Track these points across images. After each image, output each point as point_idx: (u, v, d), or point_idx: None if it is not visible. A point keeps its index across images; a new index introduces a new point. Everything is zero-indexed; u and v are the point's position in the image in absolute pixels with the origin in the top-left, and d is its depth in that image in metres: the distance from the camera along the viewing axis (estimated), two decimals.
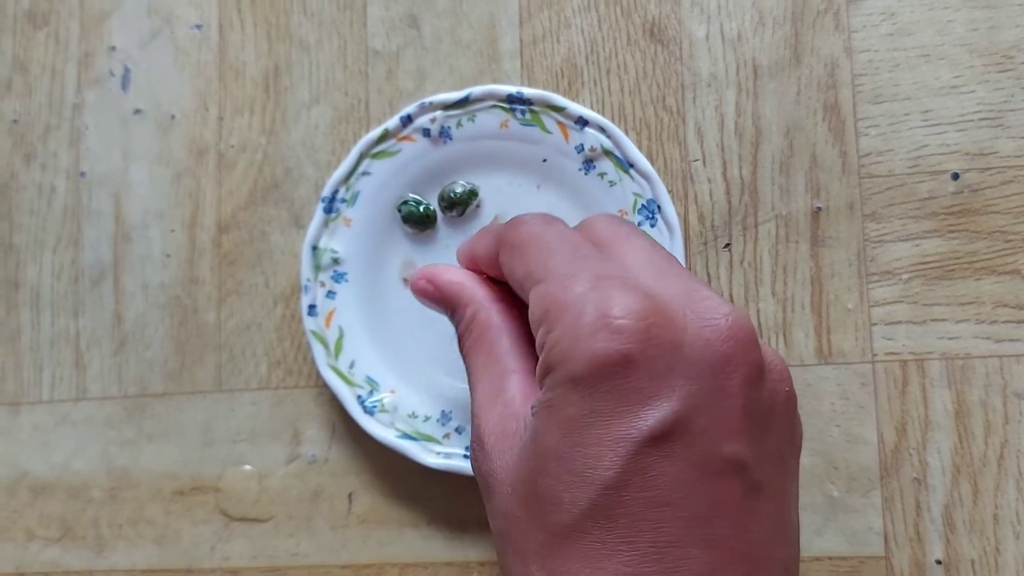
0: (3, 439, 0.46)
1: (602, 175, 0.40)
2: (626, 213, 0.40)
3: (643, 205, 0.40)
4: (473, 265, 0.34)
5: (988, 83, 0.39)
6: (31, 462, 0.46)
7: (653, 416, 0.25)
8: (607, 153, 0.40)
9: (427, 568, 0.42)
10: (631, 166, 0.40)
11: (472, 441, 0.30)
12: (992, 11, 0.40)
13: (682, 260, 0.39)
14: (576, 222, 0.34)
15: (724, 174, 0.41)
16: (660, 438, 0.25)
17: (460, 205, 0.42)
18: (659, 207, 0.40)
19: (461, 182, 0.42)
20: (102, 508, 0.45)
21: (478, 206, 0.42)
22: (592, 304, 0.26)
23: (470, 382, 0.32)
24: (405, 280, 0.42)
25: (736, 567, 0.25)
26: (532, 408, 0.28)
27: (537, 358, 0.29)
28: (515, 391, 0.29)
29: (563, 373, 0.26)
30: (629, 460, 0.25)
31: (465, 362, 0.32)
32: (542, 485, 0.26)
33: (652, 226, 0.40)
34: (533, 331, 0.28)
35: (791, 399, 0.28)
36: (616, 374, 0.26)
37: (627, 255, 0.30)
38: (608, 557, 0.25)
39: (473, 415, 0.30)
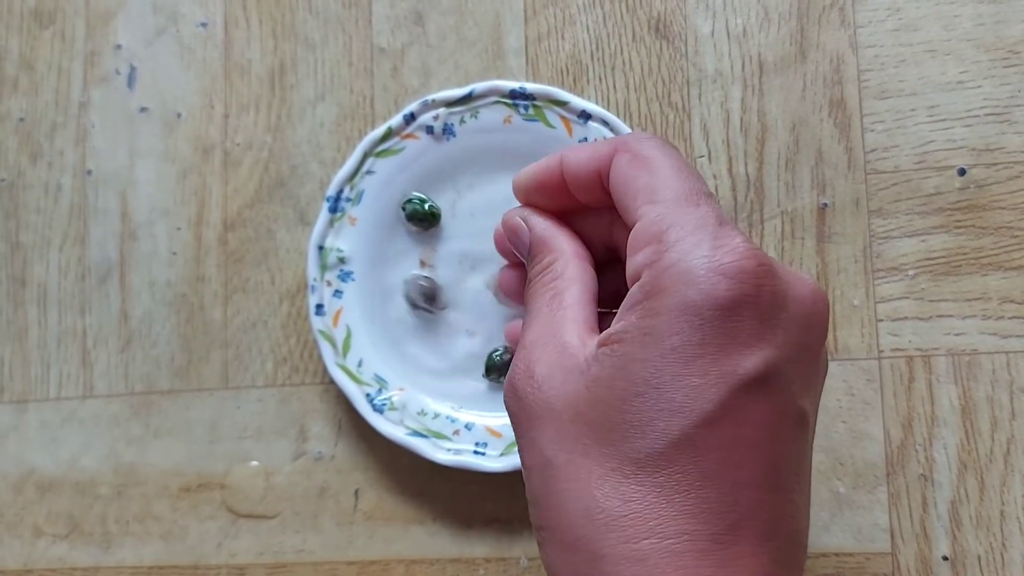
0: (11, 436, 0.47)
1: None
2: None
3: None
4: (552, 179, 0.33)
5: (994, 78, 0.39)
6: (38, 459, 0.46)
7: (757, 359, 0.26)
8: None
9: (433, 564, 0.42)
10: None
11: (516, 374, 0.29)
12: (998, 6, 0.39)
13: None
14: None
15: (730, 170, 0.41)
16: (759, 381, 0.26)
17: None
18: None
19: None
20: (109, 505, 0.45)
21: (445, 306, 0.42)
22: (716, 240, 0.27)
23: (526, 320, 0.31)
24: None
25: (787, 515, 0.27)
26: (615, 335, 0.27)
27: (598, 317, 0.29)
28: (573, 335, 0.29)
29: (677, 298, 0.26)
30: (729, 397, 0.26)
31: (527, 301, 0.32)
32: (629, 412, 0.26)
33: None
34: (632, 249, 0.28)
35: (827, 366, 0.30)
36: (732, 312, 0.26)
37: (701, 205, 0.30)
38: (687, 490, 0.26)
39: (523, 349, 0.30)
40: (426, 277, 0.42)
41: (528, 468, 0.28)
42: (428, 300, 0.42)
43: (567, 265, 0.31)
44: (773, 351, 0.26)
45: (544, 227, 0.33)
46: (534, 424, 0.28)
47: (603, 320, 0.30)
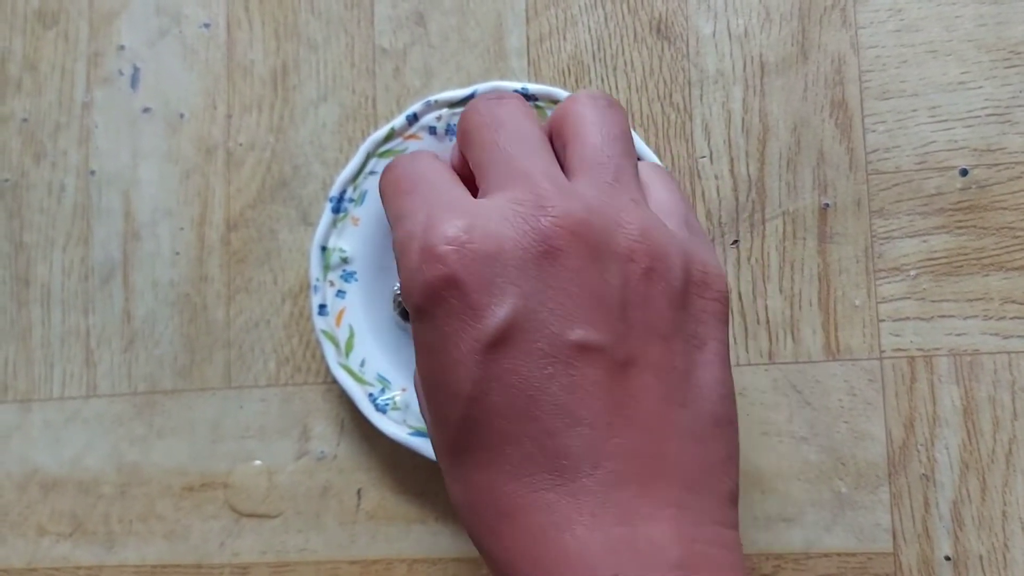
0: (14, 436, 0.47)
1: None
2: None
3: None
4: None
5: (996, 79, 0.39)
6: (42, 458, 0.46)
7: (488, 323, 0.27)
8: None
9: (436, 564, 0.42)
10: (637, 159, 0.40)
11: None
12: (1000, 6, 0.39)
13: None
14: None
15: (731, 171, 0.41)
16: (501, 340, 0.27)
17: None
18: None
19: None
20: (112, 504, 0.45)
21: None
22: (416, 240, 0.28)
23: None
24: None
25: (617, 441, 0.27)
26: None
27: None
28: None
29: (411, 308, 0.29)
30: (480, 368, 0.27)
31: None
32: (432, 411, 0.29)
33: None
34: None
35: (650, 272, 0.28)
36: (446, 296, 0.27)
37: (513, 153, 0.31)
38: (497, 460, 0.27)
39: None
40: None
41: None
42: (403, 315, 0.42)
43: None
44: (505, 307, 0.27)
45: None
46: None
47: None
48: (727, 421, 0.29)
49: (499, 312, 0.27)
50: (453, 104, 0.42)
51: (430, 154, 0.33)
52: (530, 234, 0.28)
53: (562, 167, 0.31)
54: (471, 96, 0.41)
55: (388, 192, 0.32)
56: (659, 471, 0.27)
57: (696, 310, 0.29)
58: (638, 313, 0.28)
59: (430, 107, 0.42)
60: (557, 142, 0.32)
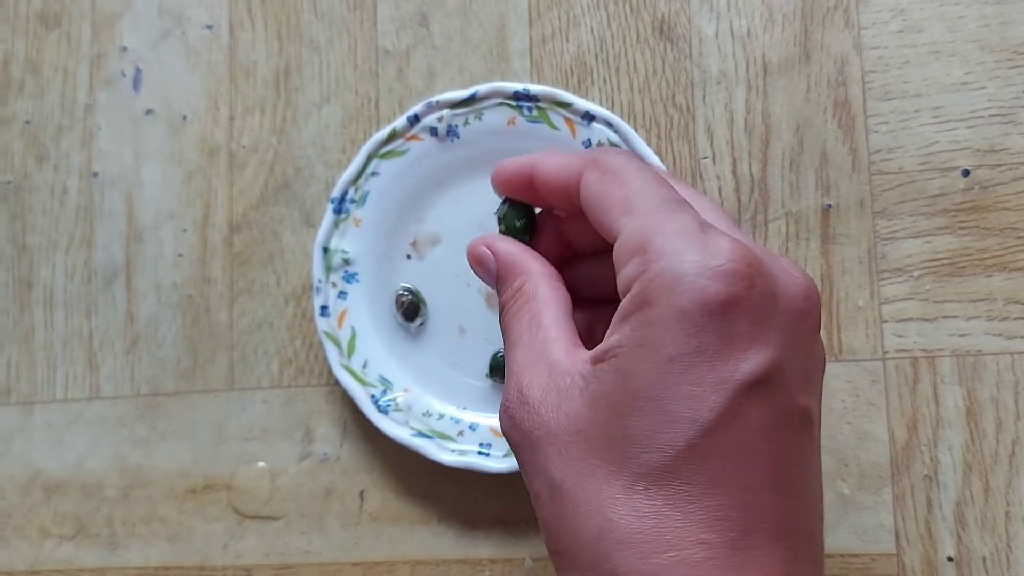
0: (17, 438, 0.47)
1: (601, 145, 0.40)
2: None
3: None
4: (522, 182, 0.33)
5: (999, 79, 0.39)
6: (45, 461, 0.46)
7: (753, 361, 0.26)
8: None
9: (438, 565, 0.42)
10: None
11: (510, 402, 0.29)
12: (1003, 7, 0.39)
13: None
14: None
15: (734, 171, 0.41)
16: (757, 383, 0.26)
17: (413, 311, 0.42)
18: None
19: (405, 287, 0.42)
20: (115, 506, 0.45)
21: (423, 323, 0.43)
22: (701, 244, 0.26)
23: (508, 347, 0.31)
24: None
25: (798, 514, 0.27)
26: (611, 350, 0.27)
27: (577, 333, 0.29)
28: (561, 354, 0.29)
29: (669, 306, 0.26)
30: (729, 402, 0.25)
31: (505, 329, 0.32)
32: (631, 427, 0.26)
33: None
34: (618, 263, 0.28)
35: (825, 362, 0.30)
36: (724, 315, 0.26)
37: (702, 206, 0.30)
38: (697, 499, 0.25)
39: (512, 376, 0.29)
40: (407, 291, 0.42)
41: (537, 495, 0.28)
42: (405, 315, 0.42)
43: (538, 286, 0.31)
44: (769, 351, 0.26)
45: (509, 251, 0.33)
46: (537, 450, 0.28)
47: (594, 326, 0.30)
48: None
49: (765, 353, 0.26)
50: (454, 105, 0.42)
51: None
52: (798, 287, 0.27)
53: None
54: (473, 97, 0.41)
55: (624, 173, 0.29)
56: (811, 561, 0.27)
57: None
58: (819, 380, 0.29)
59: (431, 108, 0.42)
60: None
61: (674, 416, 0.26)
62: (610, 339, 0.27)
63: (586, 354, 0.28)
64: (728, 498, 0.25)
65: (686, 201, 0.29)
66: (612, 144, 0.40)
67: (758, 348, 0.26)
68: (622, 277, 0.27)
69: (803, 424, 0.27)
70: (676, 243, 0.27)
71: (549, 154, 0.32)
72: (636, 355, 0.26)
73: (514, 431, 0.29)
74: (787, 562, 0.26)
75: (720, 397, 0.25)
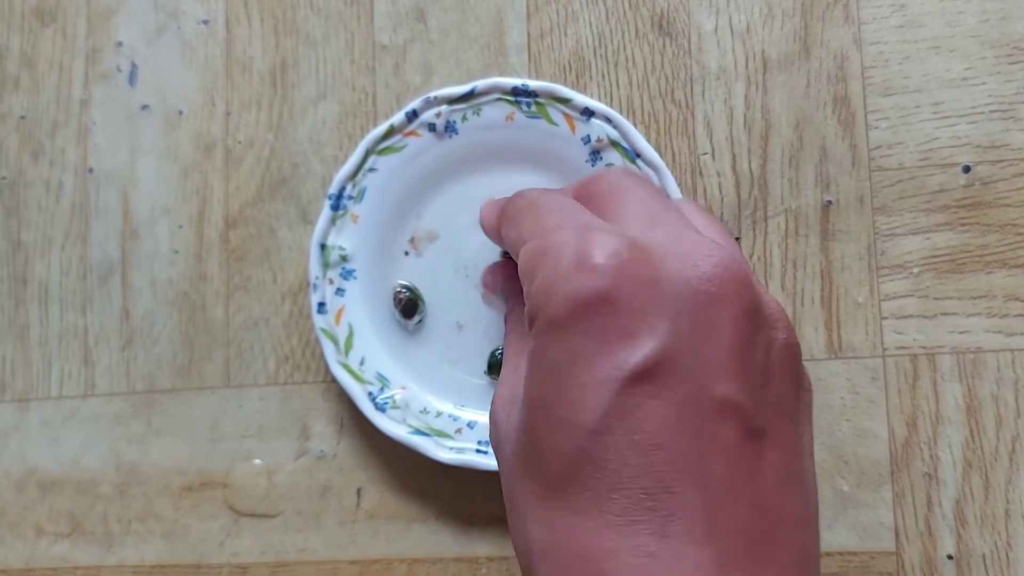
0: (12, 435, 0.47)
1: (609, 166, 0.40)
2: None
3: None
4: (488, 234, 0.36)
5: (999, 75, 0.39)
6: (40, 458, 0.46)
7: (635, 354, 0.24)
8: (614, 144, 0.40)
9: (436, 563, 0.42)
10: (638, 156, 0.40)
11: (491, 409, 0.30)
12: (1003, 2, 0.39)
13: None
14: None
15: (733, 168, 0.41)
16: (644, 376, 0.24)
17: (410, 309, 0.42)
18: (667, 196, 0.40)
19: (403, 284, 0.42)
20: (111, 504, 0.45)
21: (420, 320, 0.42)
22: (569, 248, 0.26)
23: (503, 361, 0.33)
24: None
25: (735, 512, 0.24)
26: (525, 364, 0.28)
27: None
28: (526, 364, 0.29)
29: (544, 318, 0.26)
30: (613, 401, 0.24)
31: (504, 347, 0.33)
32: (535, 437, 0.26)
33: None
34: (524, 287, 0.28)
35: (791, 346, 0.27)
36: (593, 313, 0.25)
37: (623, 206, 0.29)
38: (600, 505, 0.24)
39: (496, 388, 0.31)
40: (405, 288, 0.42)
41: (505, 500, 0.29)
42: (403, 312, 0.42)
43: (516, 306, 0.33)
44: (655, 341, 0.24)
45: (506, 278, 0.35)
46: (498, 457, 0.29)
47: None
48: (818, 513, 0.28)
49: (649, 344, 0.24)
50: (452, 100, 0.41)
51: (556, 190, 0.33)
52: (697, 271, 0.25)
53: None
54: (471, 92, 0.41)
55: (523, 212, 0.30)
56: (769, 557, 0.25)
57: (805, 398, 0.28)
58: (774, 384, 0.26)
59: (429, 104, 0.42)
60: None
61: (563, 423, 0.25)
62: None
63: None
64: (634, 501, 0.24)
65: (579, 210, 0.29)
66: (611, 140, 0.40)
67: (638, 341, 0.25)
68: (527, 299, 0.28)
69: (723, 412, 0.25)
70: (551, 256, 0.27)
71: (485, 209, 0.35)
72: (532, 366, 0.26)
73: (491, 440, 0.30)
74: (721, 561, 0.24)
75: (601, 397, 0.24)
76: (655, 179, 0.40)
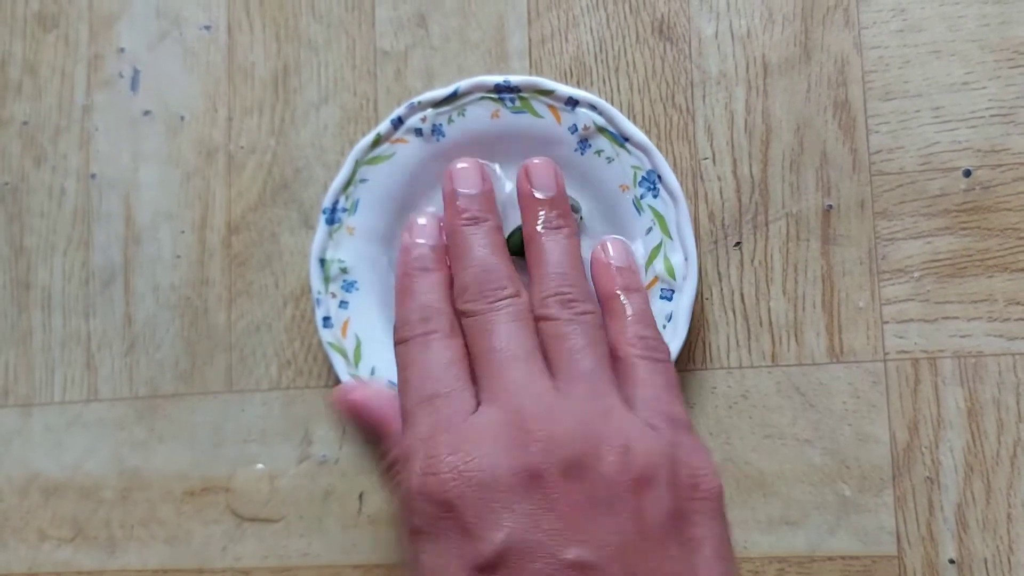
0: (15, 440, 0.47)
1: (599, 152, 0.40)
2: (627, 187, 0.40)
3: (643, 177, 0.40)
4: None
5: (1000, 79, 0.39)
6: (43, 463, 0.46)
7: (483, 547, 0.28)
8: (601, 130, 0.40)
9: None
10: (626, 140, 0.40)
11: None
12: (1004, 6, 0.39)
13: (689, 235, 0.39)
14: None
15: (734, 172, 0.41)
16: (494, 564, 0.28)
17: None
18: (659, 176, 0.39)
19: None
20: (114, 509, 0.45)
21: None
22: (419, 459, 0.30)
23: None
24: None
25: None
26: None
27: None
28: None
29: (408, 529, 0.30)
30: None
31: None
32: None
33: (655, 196, 0.39)
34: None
35: (628, 470, 0.30)
36: (444, 519, 0.28)
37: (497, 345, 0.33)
38: None
39: None
40: None
41: None
42: None
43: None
44: (501, 532, 0.28)
45: (364, 406, 0.39)
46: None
47: None
48: None
49: (494, 537, 0.28)
50: (436, 103, 0.41)
51: (435, 326, 0.35)
52: (520, 459, 0.29)
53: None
54: (454, 94, 0.41)
55: (402, 369, 0.34)
56: None
57: (689, 512, 0.30)
58: (630, 526, 0.29)
59: (414, 109, 0.42)
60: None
61: None
62: None
63: None
64: None
65: (440, 393, 0.32)
66: (598, 127, 0.40)
67: (486, 534, 0.28)
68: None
69: (576, 573, 0.28)
70: (405, 462, 0.31)
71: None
72: (408, 562, 0.31)
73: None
74: None
75: None
76: (646, 162, 0.39)
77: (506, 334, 0.32)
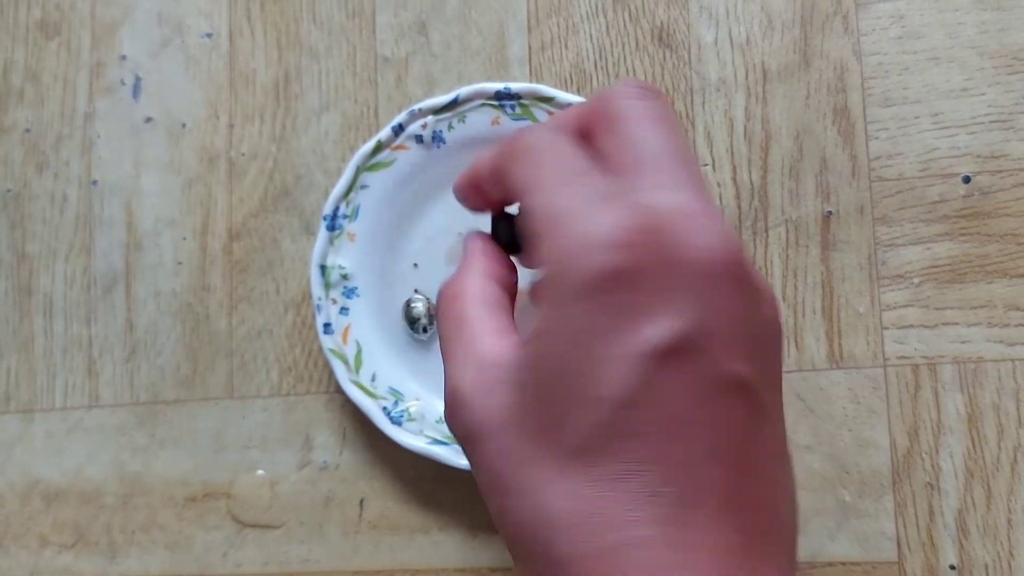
0: (17, 446, 0.47)
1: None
2: None
3: None
4: (473, 184, 0.33)
5: (998, 85, 0.39)
6: (44, 469, 0.46)
7: (658, 330, 0.25)
8: None
9: (438, 574, 0.42)
10: None
11: (447, 402, 0.29)
12: (1002, 13, 0.39)
13: None
14: None
15: (734, 178, 0.41)
16: (667, 352, 0.25)
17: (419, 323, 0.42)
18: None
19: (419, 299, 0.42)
20: (115, 514, 0.45)
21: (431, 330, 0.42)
22: (593, 217, 0.26)
23: (442, 351, 0.31)
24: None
25: (750, 487, 0.25)
26: (529, 337, 0.27)
27: (510, 320, 0.29)
28: (488, 347, 0.29)
29: (564, 287, 0.26)
30: (640, 376, 0.25)
31: (439, 334, 0.31)
32: (553, 411, 0.26)
33: None
34: (529, 244, 0.28)
35: (780, 328, 0.28)
36: (617, 287, 0.25)
37: (634, 150, 0.29)
38: (627, 479, 0.25)
39: (446, 377, 0.30)
40: (420, 300, 0.42)
41: (483, 490, 0.28)
42: (412, 324, 0.42)
43: (465, 286, 0.31)
44: (677, 318, 0.25)
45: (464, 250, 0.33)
46: (476, 445, 0.28)
47: None
48: (795, 498, 0.29)
49: (671, 321, 0.25)
50: (437, 111, 0.41)
51: (561, 133, 0.30)
52: (715, 250, 0.26)
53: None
54: (455, 101, 0.41)
55: (527, 154, 0.29)
56: (777, 531, 0.26)
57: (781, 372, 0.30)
58: (771, 359, 0.27)
59: (414, 116, 0.42)
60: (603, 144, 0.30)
61: (587, 396, 0.25)
62: (531, 326, 0.27)
63: (515, 341, 0.28)
64: (662, 474, 0.25)
65: (590, 168, 0.28)
66: None
67: (661, 317, 0.25)
68: (536, 259, 0.27)
69: (736, 391, 0.26)
70: (571, 220, 0.26)
71: (479, 157, 0.32)
72: (546, 338, 0.26)
73: (455, 430, 0.29)
74: (743, 534, 0.25)
75: (624, 371, 0.25)
76: None
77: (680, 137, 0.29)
